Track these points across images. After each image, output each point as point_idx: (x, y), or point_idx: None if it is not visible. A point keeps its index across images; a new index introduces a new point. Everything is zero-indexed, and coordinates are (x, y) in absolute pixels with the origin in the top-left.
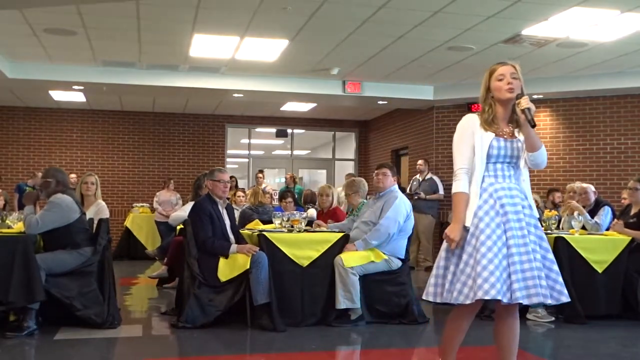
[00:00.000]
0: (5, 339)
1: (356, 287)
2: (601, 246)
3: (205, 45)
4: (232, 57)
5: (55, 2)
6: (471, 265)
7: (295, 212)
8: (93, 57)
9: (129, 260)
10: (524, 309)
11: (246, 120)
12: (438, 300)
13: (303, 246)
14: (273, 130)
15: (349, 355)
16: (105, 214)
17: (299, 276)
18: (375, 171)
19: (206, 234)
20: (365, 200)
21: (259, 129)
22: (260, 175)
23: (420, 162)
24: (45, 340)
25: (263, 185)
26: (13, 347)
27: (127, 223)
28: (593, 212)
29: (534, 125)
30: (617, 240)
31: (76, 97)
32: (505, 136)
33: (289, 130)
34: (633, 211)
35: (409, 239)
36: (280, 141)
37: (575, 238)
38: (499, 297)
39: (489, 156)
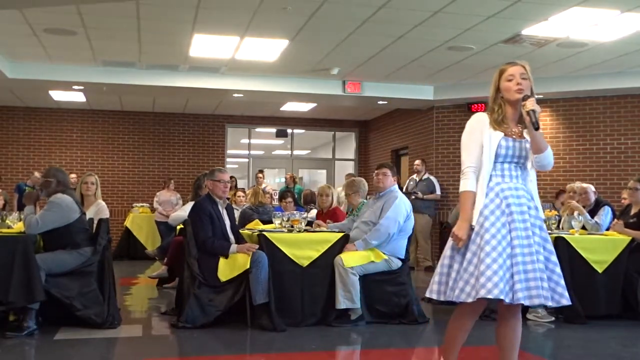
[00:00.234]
0: (5, 339)
1: (356, 287)
2: (601, 246)
3: (205, 45)
4: (232, 57)
5: (55, 2)
6: (475, 263)
7: (295, 212)
8: (93, 57)
9: (129, 260)
10: (524, 309)
11: (246, 120)
12: (441, 299)
13: (303, 246)
14: (273, 130)
15: (349, 355)
16: (105, 214)
17: (299, 276)
18: (376, 171)
19: (206, 234)
20: (365, 200)
21: (259, 129)
22: (260, 175)
23: (417, 162)
24: (45, 340)
25: (263, 185)
26: (13, 347)
27: (127, 223)
28: (593, 212)
29: (537, 128)
30: (617, 240)
31: (76, 97)
32: (514, 136)
33: (289, 130)
34: (633, 211)
35: (409, 239)
36: (280, 141)
37: (575, 238)
38: (502, 297)
39: (497, 155)
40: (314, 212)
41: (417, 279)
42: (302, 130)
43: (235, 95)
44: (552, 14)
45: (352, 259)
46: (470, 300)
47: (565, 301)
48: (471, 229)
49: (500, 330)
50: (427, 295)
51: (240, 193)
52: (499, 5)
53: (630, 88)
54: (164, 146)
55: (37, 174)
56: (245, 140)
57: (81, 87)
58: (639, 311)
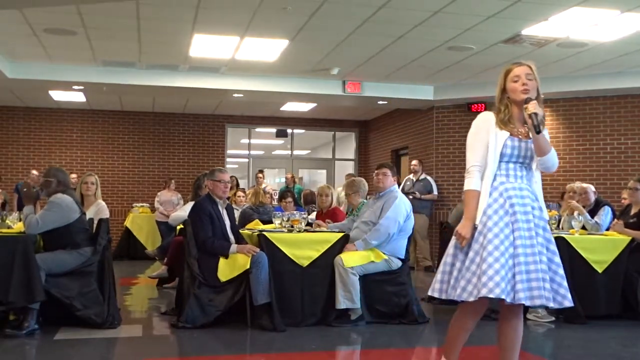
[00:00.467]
0: (5, 339)
1: (356, 287)
2: (601, 246)
3: (205, 45)
4: (232, 57)
5: (55, 2)
6: (477, 262)
7: (295, 212)
8: (93, 57)
9: (129, 260)
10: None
11: (246, 120)
12: (443, 297)
13: (303, 246)
14: (273, 130)
15: (349, 355)
16: (105, 214)
17: (299, 276)
18: (376, 171)
19: (206, 234)
20: (365, 200)
21: (259, 129)
22: (260, 175)
23: (414, 162)
24: (45, 340)
25: (263, 185)
26: (13, 347)
27: (127, 223)
28: (593, 212)
29: (538, 132)
30: (617, 240)
31: (76, 97)
32: (519, 136)
33: (289, 130)
34: (633, 211)
35: (409, 239)
36: (280, 141)
37: (575, 238)
38: (503, 296)
39: (502, 155)
40: (315, 214)
41: (417, 279)
42: (302, 130)
43: (235, 95)
44: (552, 14)
45: (352, 259)
46: (472, 299)
47: (568, 303)
48: (474, 228)
49: (501, 330)
50: (429, 293)
51: (240, 193)
52: (499, 5)
53: (630, 88)
54: (164, 146)
55: (35, 172)
56: (245, 140)
57: (81, 87)
58: (639, 311)
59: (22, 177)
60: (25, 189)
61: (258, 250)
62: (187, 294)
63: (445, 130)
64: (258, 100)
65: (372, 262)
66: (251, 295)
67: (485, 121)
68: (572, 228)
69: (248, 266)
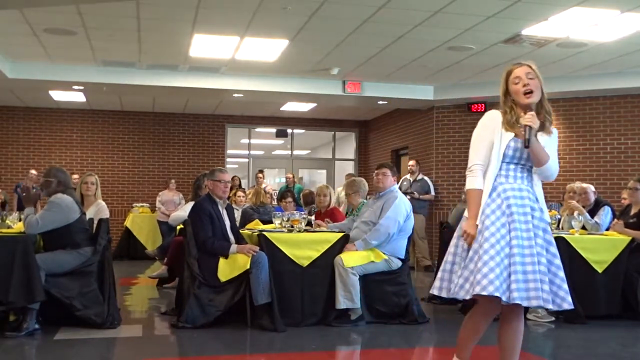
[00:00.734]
0: (5, 339)
1: (356, 287)
2: (601, 246)
3: (205, 45)
4: (232, 57)
5: (55, 2)
6: (475, 261)
7: (295, 212)
8: (93, 57)
9: (129, 260)
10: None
11: (246, 120)
12: (443, 295)
13: (303, 246)
14: (273, 130)
15: (349, 355)
16: (105, 214)
17: (299, 276)
18: (375, 171)
19: (206, 234)
20: (365, 201)
21: (259, 129)
22: (260, 175)
23: (411, 162)
24: (45, 340)
25: (263, 185)
26: (13, 347)
27: (127, 223)
28: (593, 212)
29: (527, 146)
30: (617, 240)
31: (76, 97)
32: (521, 137)
33: (289, 130)
34: (633, 211)
35: (409, 239)
36: (280, 141)
37: (575, 238)
38: (497, 294)
39: (504, 156)
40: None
41: (417, 279)
42: (302, 130)
43: (235, 95)
44: (552, 14)
45: (352, 259)
46: (468, 297)
47: (567, 305)
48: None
49: (502, 331)
50: (431, 291)
51: (240, 193)
52: (499, 5)
53: (630, 88)
54: (164, 146)
55: (33, 172)
56: (245, 140)
57: (81, 87)
58: (639, 311)
59: (22, 177)
60: (24, 194)
61: (258, 250)
62: (187, 294)
63: (445, 130)
64: (258, 100)
65: (372, 262)
66: (251, 295)
67: (491, 120)
68: (572, 228)
69: (248, 266)
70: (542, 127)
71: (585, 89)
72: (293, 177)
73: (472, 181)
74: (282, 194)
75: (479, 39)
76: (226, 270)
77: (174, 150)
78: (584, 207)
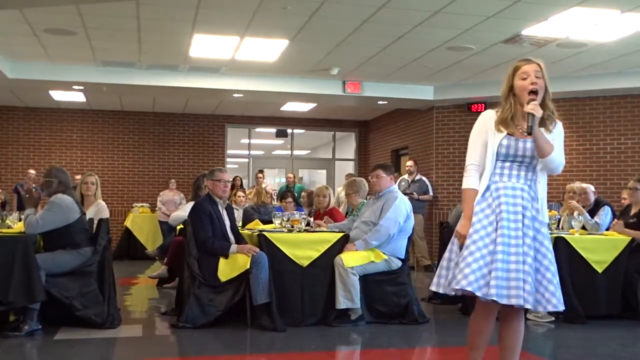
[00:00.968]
0: (5, 339)
1: (356, 287)
2: (601, 246)
3: (205, 45)
4: (232, 57)
5: (55, 2)
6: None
7: (295, 212)
8: (93, 57)
9: (129, 260)
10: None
11: (246, 120)
12: (440, 290)
13: (303, 246)
14: (273, 130)
15: (349, 355)
16: (105, 214)
17: (299, 276)
18: (370, 174)
19: (206, 234)
20: (365, 201)
21: (259, 129)
22: (260, 175)
23: (409, 163)
24: (45, 340)
25: (263, 185)
26: (13, 347)
27: (127, 223)
28: (593, 212)
29: (529, 133)
30: (617, 240)
31: (76, 97)
32: (517, 135)
33: (289, 130)
34: (633, 211)
35: (409, 239)
36: (280, 141)
37: (575, 238)
38: (469, 289)
39: (498, 154)
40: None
41: (417, 279)
42: (302, 130)
43: (235, 95)
44: (552, 14)
45: (352, 259)
46: (452, 293)
47: (552, 307)
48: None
49: (502, 331)
50: (430, 288)
51: (240, 193)
52: (499, 5)
53: (630, 88)
54: (164, 146)
55: (32, 172)
56: (245, 140)
57: (81, 87)
58: (639, 311)
59: (22, 177)
60: (27, 195)
61: (258, 250)
62: (187, 294)
63: (445, 130)
64: (258, 100)
65: (372, 262)
66: (251, 295)
67: (486, 120)
68: (572, 228)
69: (248, 266)
70: (543, 124)
71: (585, 89)
72: (294, 177)
73: (467, 181)
74: (282, 194)
75: (479, 39)
76: (226, 270)
77: (174, 150)
78: (583, 207)
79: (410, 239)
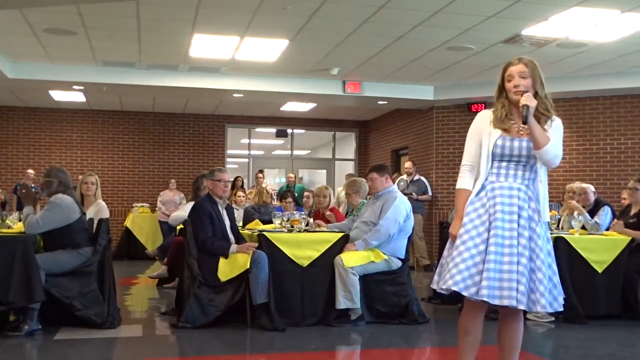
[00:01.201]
0: (5, 339)
1: (356, 287)
2: (601, 246)
3: (205, 45)
4: (232, 57)
5: (55, 2)
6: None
7: (295, 212)
8: (93, 57)
9: (129, 260)
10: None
11: (246, 120)
12: (436, 287)
13: (303, 246)
14: (273, 130)
15: (349, 355)
16: (105, 214)
17: (299, 276)
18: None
19: (206, 234)
20: (365, 201)
21: (259, 129)
22: (260, 175)
23: (407, 164)
24: (45, 340)
25: (263, 185)
26: (13, 347)
27: (127, 223)
28: (593, 212)
29: (524, 123)
30: (617, 240)
31: (76, 97)
32: (514, 135)
33: (289, 130)
34: (633, 211)
35: (409, 239)
36: (280, 141)
37: (575, 238)
38: (455, 288)
39: (493, 154)
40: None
41: (417, 279)
42: (302, 130)
43: (235, 95)
44: (552, 14)
45: (352, 259)
46: (443, 291)
47: (540, 308)
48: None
49: (501, 331)
50: (431, 286)
51: (240, 193)
52: (499, 5)
53: (630, 88)
54: (164, 146)
55: (31, 171)
56: (245, 140)
57: (81, 87)
58: (639, 311)
59: (22, 177)
60: (24, 190)
61: (256, 245)
62: (187, 294)
63: (445, 130)
64: (258, 100)
65: (372, 262)
66: (251, 295)
67: (481, 120)
68: (572, 228)
69: (248, 266)
70: (537, 121)
71: (585, 89)
72: (294, 177)
73: (460, 182)
74: (283, 194)
75: (479, 39)
76: (226, 270)
77: (174, 150)
78: (583, 207)
79: (409, 239)
